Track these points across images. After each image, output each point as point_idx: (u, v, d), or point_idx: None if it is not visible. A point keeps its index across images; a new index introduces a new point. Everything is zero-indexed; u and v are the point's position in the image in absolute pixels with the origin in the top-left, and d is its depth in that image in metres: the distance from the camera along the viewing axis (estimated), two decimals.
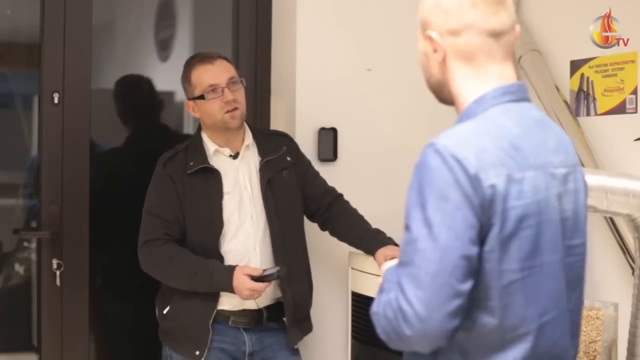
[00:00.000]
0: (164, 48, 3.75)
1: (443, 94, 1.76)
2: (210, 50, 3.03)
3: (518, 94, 1.71)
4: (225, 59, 2.99)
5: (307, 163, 3.14)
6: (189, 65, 2.96)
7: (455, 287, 1.53)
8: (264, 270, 2.79)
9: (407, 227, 1.61)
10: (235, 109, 2.89)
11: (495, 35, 1.69)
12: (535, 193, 1.62)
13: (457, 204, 1.55)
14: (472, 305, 1.57)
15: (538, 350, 1.62)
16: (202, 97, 2.90)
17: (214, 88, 2.89)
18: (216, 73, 2.91)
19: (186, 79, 2.96)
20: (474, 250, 1.55)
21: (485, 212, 1.56)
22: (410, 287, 1.55)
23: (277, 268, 2.81)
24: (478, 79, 1.70)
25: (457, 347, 1.60)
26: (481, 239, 1.57)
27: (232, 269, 2.80)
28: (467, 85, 1.70)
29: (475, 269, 1.56)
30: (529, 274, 1.61)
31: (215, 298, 2.87)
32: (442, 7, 1.70)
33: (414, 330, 1.54)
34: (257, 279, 2.77)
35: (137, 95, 3.69)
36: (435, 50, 1.72)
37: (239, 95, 2.92)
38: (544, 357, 1.64)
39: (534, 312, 1.61)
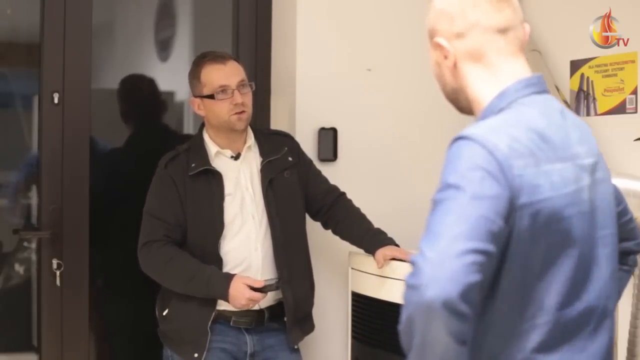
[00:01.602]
0: (164, 48, 3.75)
1: (460, 102, 1.76)
2: (218, 50, 3.02)
3: (539, 86, 1.72)
4: (237, 60, 2.99)
5: (309, 162, 3.14)
6: (200, 62, 2.95)
7: (474, 241, 1.47)
8: (266, 281, 2.81)
9: (432, 202, 1.56)
10: (243, 111, 2.90)
11: (502, 31, 1.70)
12: (565, 185, 1.61)
13: (484, 177, 1.53)
14: (491, 294, 1.55)
15: (555, 338, 1.61)
16: (210, 96, 2.89)
17: (224, 89, 2.88)
18: (228, 74, 2.90)
19: (195, 76, 2.94)
20: (498, 219, 1.51)
21: (511, 199, 1.54)
22: (426, 243, 1.50)
23: (276, 279, 2.84)
24: (492, 77, 1.70)
25: (474, 334, 1.57)
26: (509, 229, 1.55)
27: (229, 277, 2.80)
28: (483, 85, 1.70)
29: (499, 240, 1.52)
30: (555, 265, 1.60)
31: (213, 301, 2.87)
32: (446, 13, 1.71)
33: (424, 276, 1.46)
34: (256, 289, 2.77)
35: (141, 95, 3.69)
36: (445, 57, 1.72)
37: (247, 99, 2.92)
38: (565, 344, 1.62)
39: (553, 303, 1.60)
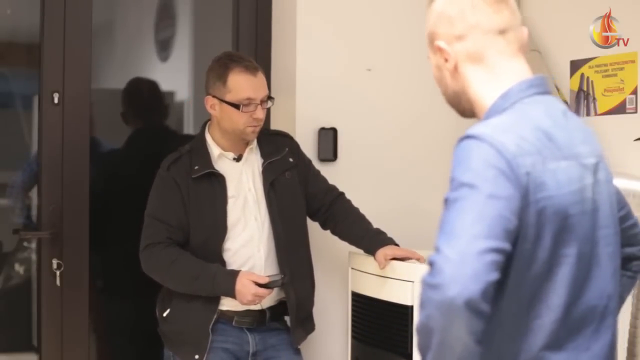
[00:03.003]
0: (164, 48, 3.75)
1: (462, 105, 1.76)
2: (243, 55, 3.01)
3: (542, 87, 1.72)
4: (262, 71, 2.96)
5: (308, 162, 3.14)
6: (228, 65, 2.88)
7: (492, 240, 1.48)
8: (269, 277, 2.81)
9: (445, 201, 1.56)
10: (258, 125, 2.89)
11: (502, 32, 1.71)
12: (570, 183, 1.62)
13: (497, 176, 1.53)
14: (499, 291, 1.55)
15: (560, 336, 1.61)
16: (233, 104, 2.85)
17: (249, 102, 2.85)
18: (257, 88, 2.87)
19: (220, 77, 2.88)
20: (513, 218, 1.53)
21: (521, 197, 1.55)
22: (444, 242, 1.50)
23: (281, 276, 2.84)
24: (494, 78, 1.70)
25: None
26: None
27: (235, 273, 2.81)
28: (485, 86, 1.71)
29: (513, 239, 1.53)
30: (559, 264, 1.60)
31: (215, 302, 2.87)
32: (446, 16, 1.72)
33: (445, 275, 1.46)
34: (261, 285, 2.78)
35: (145, 97, 3.69)
36: (446, 60, 1.73)
37: (265, 113, 2.92)
38: (570, 343, 1.63)
39: (559, 301, 1.61)
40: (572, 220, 1.61)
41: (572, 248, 1.62)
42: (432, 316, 1.49)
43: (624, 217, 1.85)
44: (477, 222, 1.50)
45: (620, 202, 1.84)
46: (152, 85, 3.65)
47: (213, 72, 2.91)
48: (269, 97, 2.94)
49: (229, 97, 2.86)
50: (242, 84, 2.86)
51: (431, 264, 1.51)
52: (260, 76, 2.91)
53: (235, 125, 2.88)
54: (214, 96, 2.89)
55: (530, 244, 1.57)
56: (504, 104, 1.67)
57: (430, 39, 1.76)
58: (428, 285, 1.50)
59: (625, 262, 1.87)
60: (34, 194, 3.41)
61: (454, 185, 1.56)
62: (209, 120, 3.00)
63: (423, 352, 1.54)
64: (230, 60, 2.91)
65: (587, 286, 1.65)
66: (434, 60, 1.77)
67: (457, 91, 1.75)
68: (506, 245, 1.51)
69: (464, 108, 1.76)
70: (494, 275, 1.48)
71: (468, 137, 1.59)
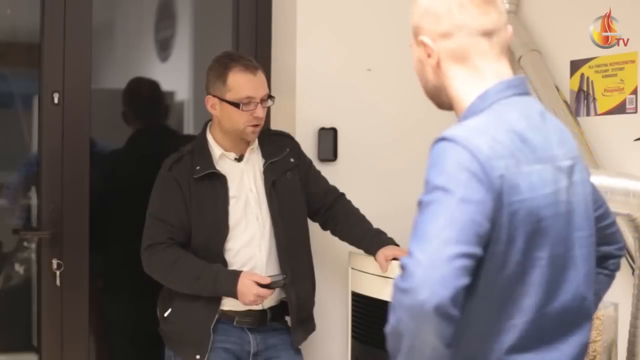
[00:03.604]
0: (164, 48, 3.75)
1: (441, 99, 1.77)
2: (243, 54, 3.01)
3: (521, 88, 1.72)
4: (262, 70, 2.96)
5: (309, 163, 3.14)
6: (228, 65, 2.88)
7: (463, 245, 1.49)
8: (271, 277, 2.81)
9: (419, 204, 1.57)
10: (258, 124, 2.89)
11: (487, 34, 1.70)
12: (544, 186, 1.62)
13: (470, 179, 1.54)
14: (470, 293, 1.55)
15: (531, 338, 1.62)
16: (233, 103, 2.86)
17: (249, 101, 2.86)
18: (257, 86, 2.88)
19: (220, 77, 2.88)
20: (485, 222, 1.53)
21: (494, 201, 1.55)
22: (415, 246, 1.51)
23: (283, 276, 2.84)
24: (475, 78, 1.70)
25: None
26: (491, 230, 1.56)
27: (237, 273, 2.81)
28: (465, 85, 1.71)
29: (484, 243, 1.53)
30: (532, 267, 1.61)
31: (217, 302, 2.87)
32: (432, 12, 1.71)
33: (415, 280, 1.47)
34: (263, 285, 2.78)
35: (146, 96, 3.69)
36: (429, 55, 1.73)
37: (265, 112, 2.92)
38: (540, 344, 1.64)
39: (531, 303, 1.61)
40: (545, 223, 1.62)
41: (545, 251, 1.62)
42: (402, 320, 1.50)
43: (601, 216, 1.85)
44: (449, 227, 1.50)
45: (597, 201, 1.84)
46: (153, 85, 3.65)
47: (213, 71, 2.92)
48: (270, 97, 2.94)
49: (229, 96, 2.86)
50: (241, 83, 2.86)
51: (403, 267, 1.51)
52: (260, 75, 2.92)
53: (236, 125, 2.88)
54: (214, 96, 2.90)
55: (503, 246, 1.57)
56: (482, 105, 1.68)
57: (414, 32, 1.76)
58: (399, 289, 1.51)
59: (602, 260, 1.88)
60: (32, 194, 3.41)
61: (427, 188, 1.57)
62: (210, 120, 3.00)
63: (394, 355, 1.55)
64: (230, 60, 2.91)
65: (561, 288, 1.66)
66: (416, 53, 1.77)
67: (438, 86, 1.75)
68: (477, 250, 1.52)
69: (443, 102, 1.77)
70: (464, 280, 1.49)
71: (443, 139, 1.60)
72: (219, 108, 2.89)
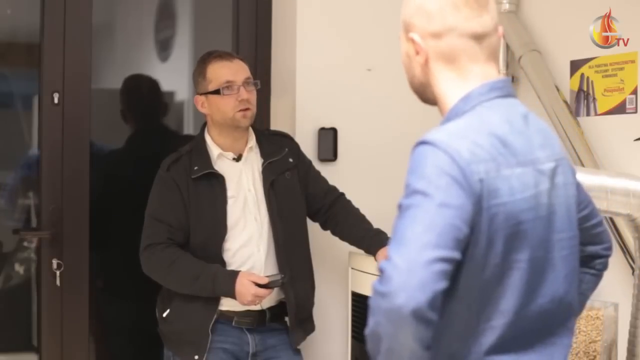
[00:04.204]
0: (164, 48, 3.76)
1: (426, 95, 1.77)
2: (222, 49, 3.03)
3: (504, 90, 1.71)
4: (242, 60, 2.99)
5: (309, 163, 3.14)
6: (205, 60, 2.95)
7: (441, 250, 1.49)
8: (269, 277, 2.81)
9: (399, 207, 1.58)
10: (248, 109, 2.90)
11: (478, 37, 1.69)
12: (524, 190, 1.62)
13: (449, 184, 1.54)
14: (449, 294, 1.55)
15: (510, 339, 1.62)
16: (216, 92, 2.89)
17: (230, 85, 2.89)
18: (234, 70, 2.91)
19: (201, 73, 2.94)
20: (464, 226, 1.53)
21: (473, 205, 1.55)
22: (394, 250, 1.51)
23: (281, 275, 2.84)
24: (461, 79, 1.70)
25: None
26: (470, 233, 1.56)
27: (235, 273, 2.81)
28: (451, 86, 1.70)
29: (463, 246, 1.54)
30: (511, 269, 1.61)
31: (215, 302, 2.87)
32: (425, 10, 1.71)
33: (393, 284, 1.47)
34: (261, 285, 2.78)
35: (144, 95, 3.69)
36: (417, 53, 1.73)
37: (252, 96, 2.93)
38: (519, 345, 1.64)
39: (510, 305, 1.61)
40: (525, 227, 1.61)
41: (524, 253, 1.62)
42: (380, 323, 1.51)
43: (587, 216, 1.84)
44: (427, 231, 1.50)
45: (583, 202, 1.83)
46: (151, 83, 3.65)
47: (195, 72, 2.99)
48: (254, 81, 2.95)
49: (210, 87, 2.91)
50: (218, 70, 2.91)
51: (381, 270, 1.51)
52: (238, 61, 2.95)
53: (225, 114, 2.89)
54: (200, 94, 2.93)
55: (482, 249, 1.57)
56: (464, 107, 1.67)
57: (404, 27, 1.76)
58: (377, 293, 1.51)
59: (589, 260, 1.88)
60: (31, 194, 3.41)
61: (407, 191, 1.58)
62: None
63: (373, 356, 1.56)
64: (208, 55, 2.97)
65: (539, 290, 1.65)
66: (404, 48, 1.77)
67: (424, 83, 1.75)
68: (455, 254, 1.52)
69: (428, 98, 1.77)
70: (442, 285, 1.49)
71: (423, 142, 1.60)
72: (207, 104, 2.93)
